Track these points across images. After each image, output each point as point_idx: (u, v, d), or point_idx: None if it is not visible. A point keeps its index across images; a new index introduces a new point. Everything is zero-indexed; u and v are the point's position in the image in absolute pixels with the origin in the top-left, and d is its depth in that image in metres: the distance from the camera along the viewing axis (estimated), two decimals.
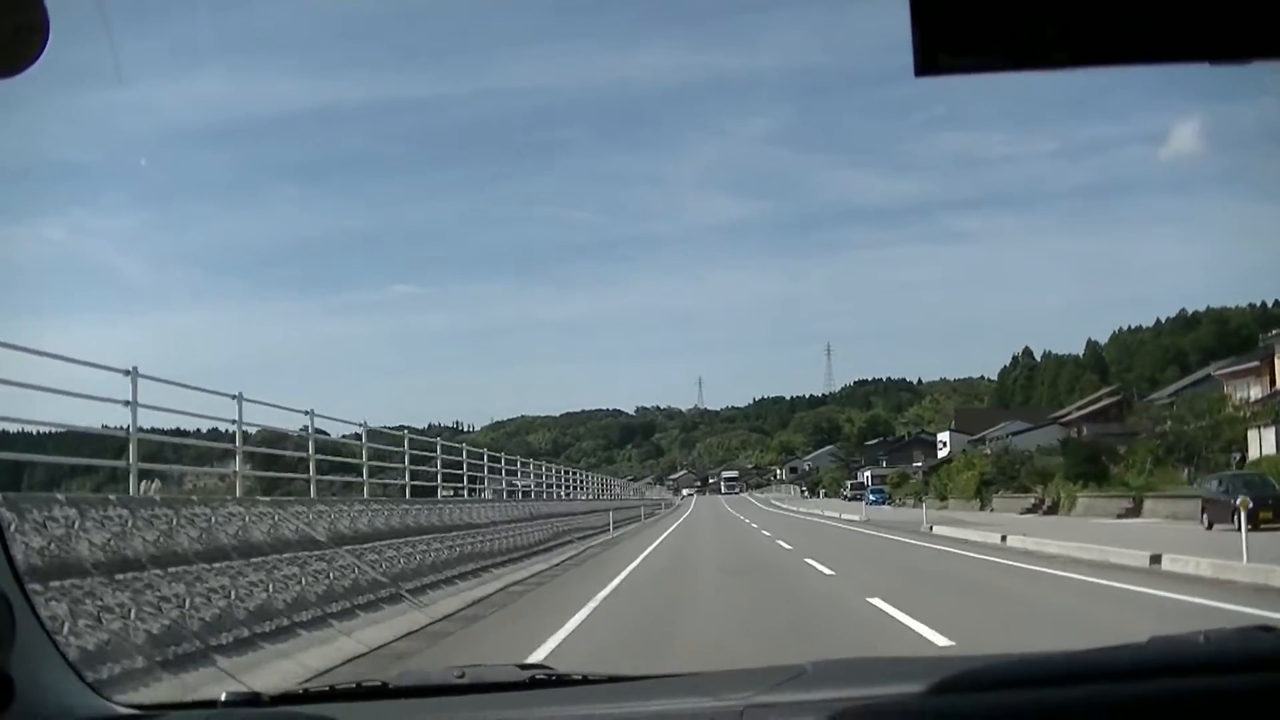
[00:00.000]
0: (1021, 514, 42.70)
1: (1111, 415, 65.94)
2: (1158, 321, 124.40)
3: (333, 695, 2.06)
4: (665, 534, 36.66)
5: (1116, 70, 1.07)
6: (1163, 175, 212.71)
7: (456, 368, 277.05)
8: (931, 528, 30.33)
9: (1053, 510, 40.77)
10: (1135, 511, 33.70)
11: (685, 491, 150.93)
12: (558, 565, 20.70)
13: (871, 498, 72.92)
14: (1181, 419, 40.79)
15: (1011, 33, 1.04)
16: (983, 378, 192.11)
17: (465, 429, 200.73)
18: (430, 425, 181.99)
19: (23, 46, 1.26)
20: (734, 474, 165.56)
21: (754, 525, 41.54)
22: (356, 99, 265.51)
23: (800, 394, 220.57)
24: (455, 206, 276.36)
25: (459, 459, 23.71)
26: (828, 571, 17.03)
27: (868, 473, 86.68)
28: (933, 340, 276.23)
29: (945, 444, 76.55)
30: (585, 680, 2.05)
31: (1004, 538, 23.05)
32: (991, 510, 49.45)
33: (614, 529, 35.19)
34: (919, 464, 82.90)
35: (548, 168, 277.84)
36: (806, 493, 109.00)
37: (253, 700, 1.96)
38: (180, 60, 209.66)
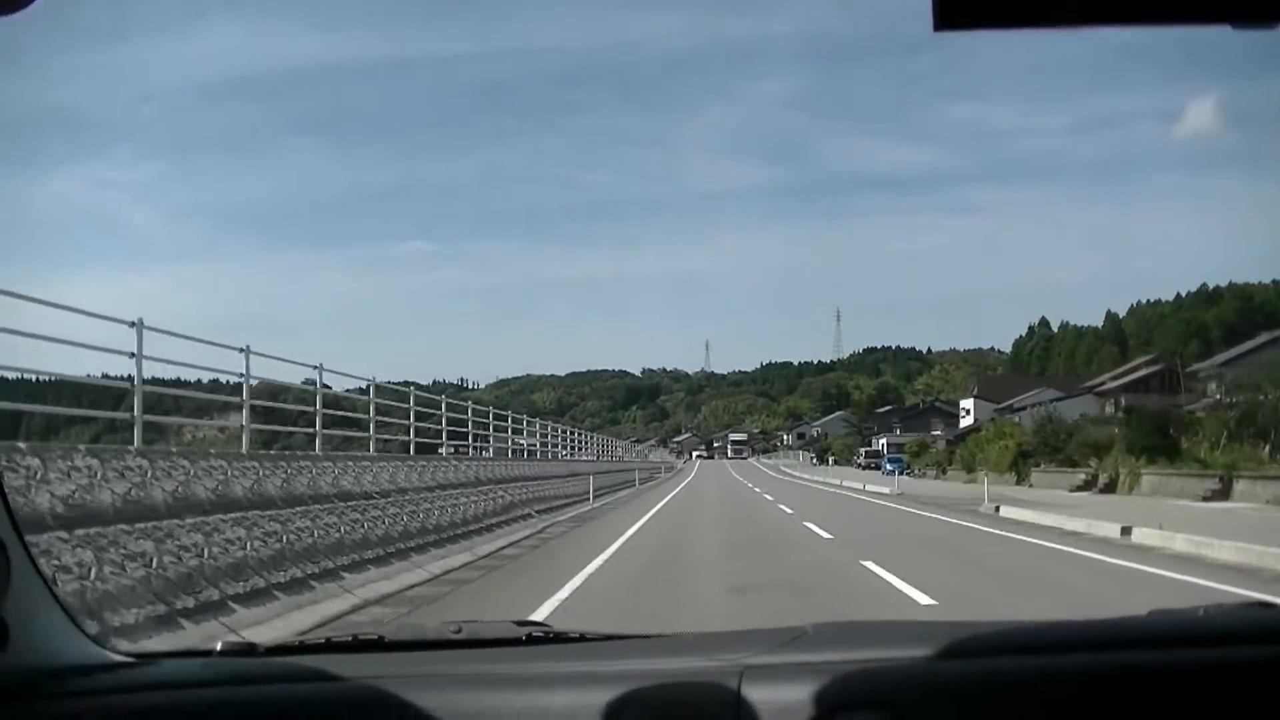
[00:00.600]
0: (1071, 491, 37.29)
1: (1154, 385, 60.62)
2: (1178, 296, 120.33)
3: (328, 647, 2.03)
4: (662, 503, 31.58)
5: (1131, 42, 0.93)
6: (1177, 151, 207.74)
7: (465, 325, 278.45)
8: (998, 508, 24.53)
9: (1110, 488, 35.25)
10: (1224, 493, 28.11)
11: (695, 454, 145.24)
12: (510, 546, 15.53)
13: (889, 467, 67.64)
14: (1258, 388, 35.06)
15: None
16: (993, 349, 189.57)
17: (470, 386, 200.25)
18: (435, 381, 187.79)
19: None
20: (742, 437, 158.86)
21: (769, 498, 35.85)
22: (371, 54, 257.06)
23: (808, 360, 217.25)
24: (469, 164, 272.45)
25: (464, 416, 23.04)
26: (922, 599, 10.12)
27: (883, 440, 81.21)
28: (943, 310, 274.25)
29: (968, 412, 70.96)
30: (582, 638, 2.01)
31: (1126, 530, 17.12)
32: (1030, 486, 44.01)
33: (594, 499, 29.76)
34: (937, 432, 77.47)
35: (561, 128, 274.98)
36: (815, 460, 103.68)
37: (248, 650, 1.96)
38: (195, 13, 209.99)
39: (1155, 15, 1.00)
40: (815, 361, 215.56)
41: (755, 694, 1.49)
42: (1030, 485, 44.07)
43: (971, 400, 71.67)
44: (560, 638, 2.02)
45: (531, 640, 1.98)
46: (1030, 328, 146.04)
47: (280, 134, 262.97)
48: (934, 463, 64.68)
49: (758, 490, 42.20)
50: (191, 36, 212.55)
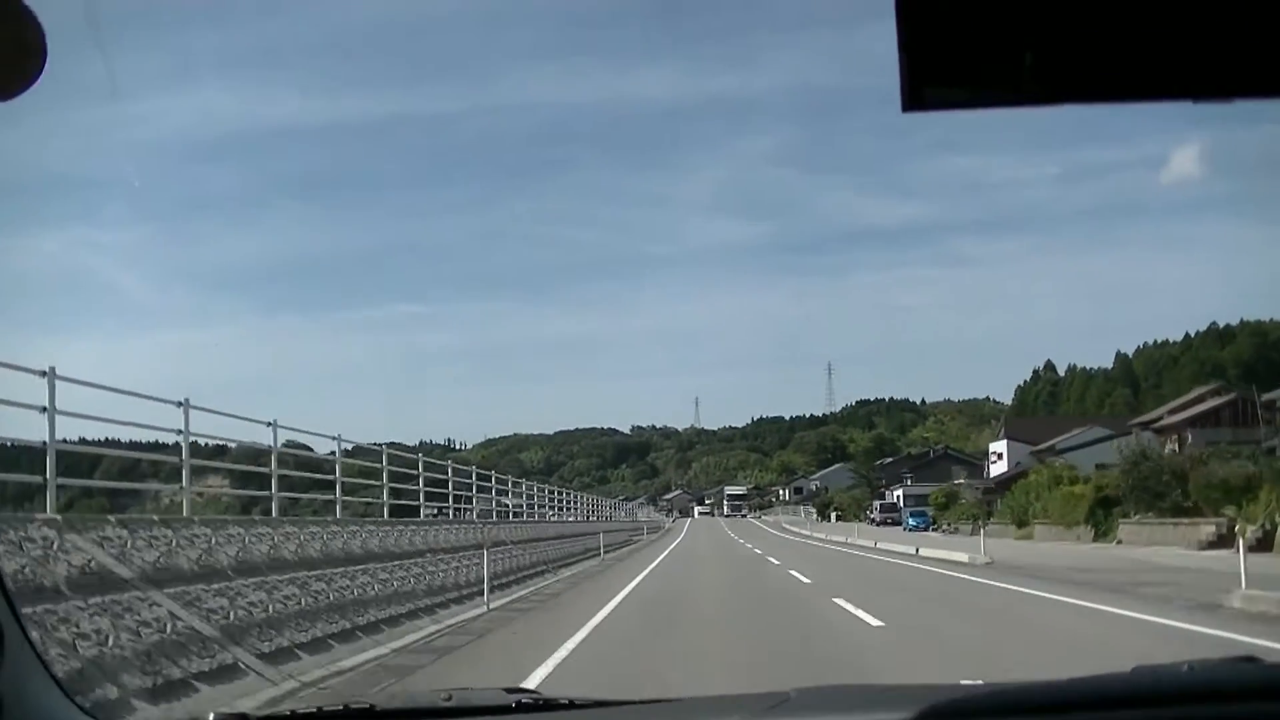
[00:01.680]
0: (1201, 549, 26.19)
1: (1225, 418, 49.96)
2: (1186, 336, 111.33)
3: (319, 716, 1.99)
4: (638, 579, 20.92)
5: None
6: (1167, 197, 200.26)
7: (453, 385, 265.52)
8: (1236, 593, 13.11)
9: (1266, 545, 24.16)
10: None
11: (698, 510, 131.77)
12: None
13: (911, 522, 56.59)
14: None
15: (997, 71, 1.03)
16: (988, 398, 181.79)
17: (457, 446, 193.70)
18: (421, 442, 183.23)
19: (21, 69, 1.22)
20: (739, 490, 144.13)
21: (794, 573, 24.65)
22: (359, 115, 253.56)
23: (800, 414, 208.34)
24: (458, 224, 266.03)
25: (444, 477, 21.90)
26: None
27: (898, 491, 69.95)
28: (937, 361, 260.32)
29: (1000, 456, 59.82)
30: (571, 705, 1.98)
31: None
32: (1119, 543, 32.80)
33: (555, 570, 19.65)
34: (960, 481, 66.30)
35: (550, 187, 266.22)
36: (816, 516, 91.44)
37: (240, 719, 1.93)
38: (183, 75, 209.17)
39: (1119, 94, 1.03)
40: (808, 415, 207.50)
41: None
42: (1118, 542, 32.87)
43: (1004, 443, 60.42)
44: (549, 705, 1.98)
45: (520, 708, 1.93)
46: (1035, 372, 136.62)
47: (269, 196, 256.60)
48: (967, 516, 53.44)
49: (773, 561, 30.92)
50: (180, 98, 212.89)
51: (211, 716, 1.90)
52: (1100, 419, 63.32)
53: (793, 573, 22.22)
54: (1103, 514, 34.96)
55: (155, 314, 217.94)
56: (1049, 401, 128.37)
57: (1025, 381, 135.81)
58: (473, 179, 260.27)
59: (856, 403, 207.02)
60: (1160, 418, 55.34)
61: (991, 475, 59.26)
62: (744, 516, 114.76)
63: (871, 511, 70.38)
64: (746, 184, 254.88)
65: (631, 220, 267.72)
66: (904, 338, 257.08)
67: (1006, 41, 1.01)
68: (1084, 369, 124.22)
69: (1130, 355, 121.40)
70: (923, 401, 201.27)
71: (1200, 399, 54.37)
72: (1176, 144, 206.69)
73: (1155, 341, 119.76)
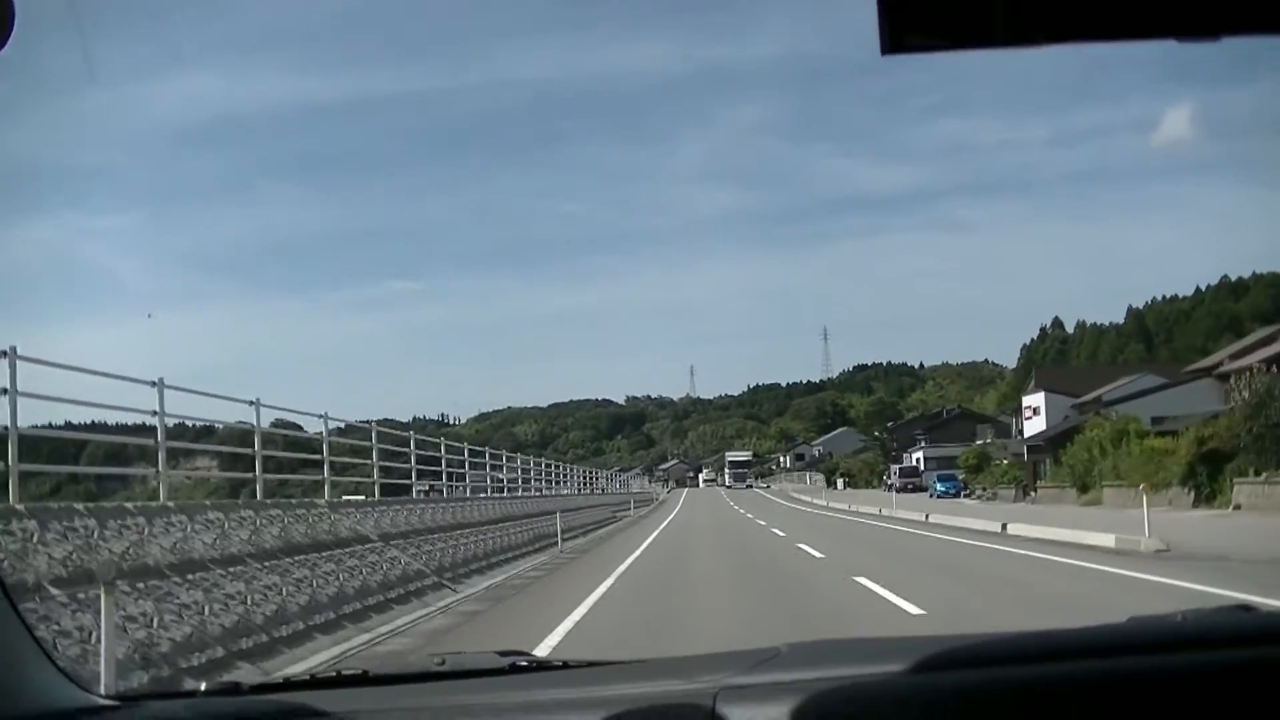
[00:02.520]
0: None
1: None
2: (1198, 290, 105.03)
3: (313, 684, 1.96)
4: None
5: (1105, 54, 0.88)
6: (1157, 160, 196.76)
7: (447, 361, 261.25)
8: None
9: None
10: None
11: (702, 478, 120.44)
12: None
13: (939, 487, 49.09)
14: None
15: (974, 12, 1.01)
16: (987, 360, 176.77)
17: (451, 422, 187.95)
18: (415, 418, 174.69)
19: None
20: (744, 457, 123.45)
21: (818, 554, 16.81)
22: (348, 94, 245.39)
23: (797, 380, 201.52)
24: (449, 201, 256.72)
25: (437, 455, 20.87)
26: None
27: (917, 454, 62.51)
28: (933, 325, 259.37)
29: (1036, 410, 52.30)
30: (565, 666, 1.96)
31: None
32: (1237, 508, 25.44)
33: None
34: (987, 440, 58.91)
35: (542, 161, 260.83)
36: (825, 483, 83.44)
37: (232, 689, 1.88)
38: (170, 58, 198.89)
39: (1098, 33, 1.00)
40: (804, 381, 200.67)
41: (731, 714, 1.45)
42: (1236, 507, 25.49)
43: (1040, 396, 52.93)
44: (543, 666, 1.98)
45: (514, 670, 1.92)
46: (1042, 329, 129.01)
47: (259, 178, 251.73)
48: (1008, 479, 46.05)
49: (813, 553, 23.01)
50: (167, 81, 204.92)
51: (203, 687, 1.88)
52: (1150, 366, 55.85)
53: (863, 582, 13.22)
54: (1206, 473, 27.61)
55: (149, 298, 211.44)
56: (1058, 359, 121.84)
57: (1032, 339, 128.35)
58: (464, 156, 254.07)
59: (854, 367, 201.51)
60: (1219, 364, 47.90)
61: (1027, 433, 51.68)
62: (747, 486, 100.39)
63: (889, 477, 62.59)
64: (737, 154, 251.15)
65: (624, 193, 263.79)
66: (900, 304, 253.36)
67: None
68: (1095, 324, 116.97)
69: (1141, 310, 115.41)
70: (921, 365, 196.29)
71: (1267, 341, 46.82)
72: (1168, 105, 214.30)
73: (1164, 297, 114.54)
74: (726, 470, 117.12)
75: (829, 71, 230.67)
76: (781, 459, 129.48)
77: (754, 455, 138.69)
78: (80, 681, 1.76)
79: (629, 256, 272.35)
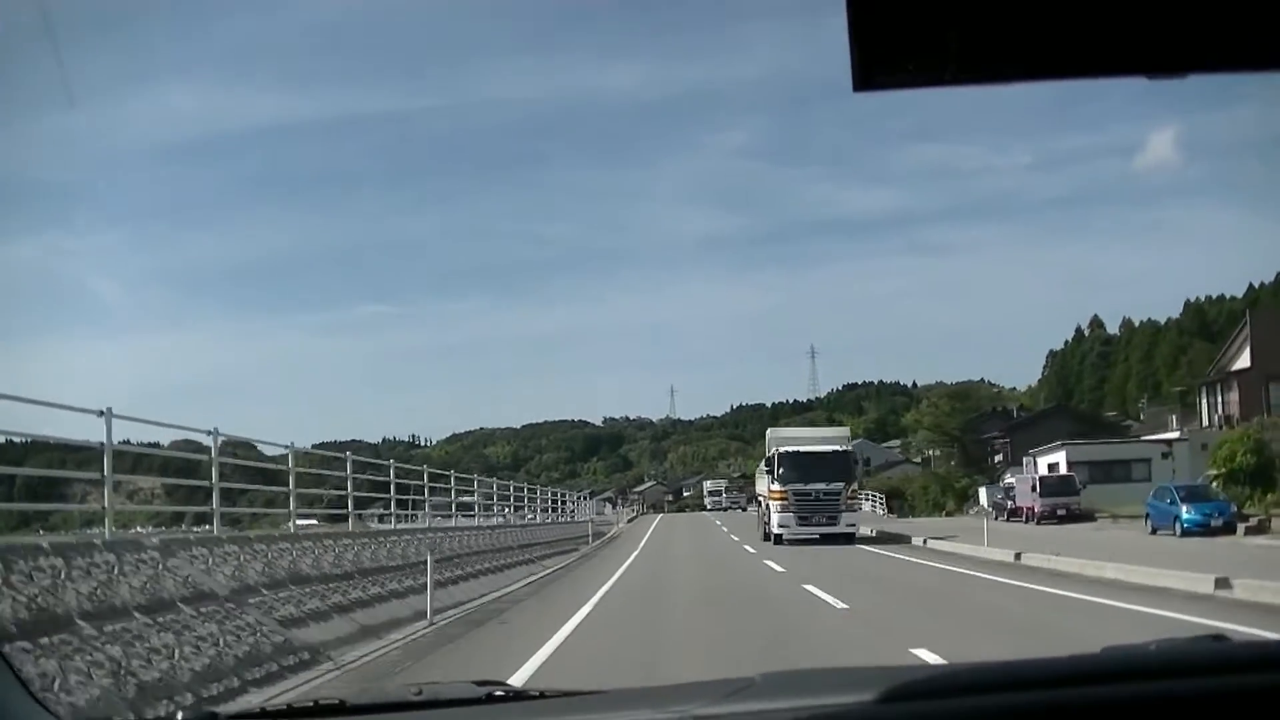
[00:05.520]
0: None
1: None
2: (1251, 288, 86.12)
3: (290, 714, 1.89)
4: None
5: (1079, 84, 1.02)
6: (1139, 183, 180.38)
7: (421, 382, 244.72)
8: None
9: None
10: None
11: (709, 499, 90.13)
12: None
13: (1188, 516, 24.47)
14: None
15: (945, 50, 0.99)
16: (982, 380, 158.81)
17: (422, 443, 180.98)
18: (385, 439, 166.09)
19: None
20: (720, 486, 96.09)
21: None
22: (326, 113, 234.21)
23: (782, 400, 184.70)
24: (428, 222, 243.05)
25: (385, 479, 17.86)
26: None
27: (1053, 458, 37.74)
28: (922, 346, 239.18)
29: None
30: (541, 696, 1.89)
31: None
32: None
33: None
34: (1175, 433, 35.07)
35: (523, 183, 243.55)
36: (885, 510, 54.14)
37: (209, 718, 1.80)
38: (148, 77, 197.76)
39: (1069, 71, 0.98)
40: (790, 401, 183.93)
41: None
42: None
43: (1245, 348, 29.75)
44: (520, 696, 1.90)
45: (491, 699, 1.84)
46: (1078, 331, 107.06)
47: (236, 197, 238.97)
48: None
49: None
50: (144, 100, 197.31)
51: (180, 715, 1.78)
52: None
53: None
54: None
55: (127, 318, 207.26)
56: (1098, 364, 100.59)
57: (1067, 342, 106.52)
58: (442, 176, 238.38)
59: (844, 386, 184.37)
60: None
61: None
62: (740, 509, 75.72)
63: (1001, 496, 37.10)
64: (719, 176, 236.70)
65: (604, 215, 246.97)
66: (886, 324, 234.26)
67: (953, 21, 0.96)
68: (1152, 321, 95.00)
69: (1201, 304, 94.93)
70: (914, 384, 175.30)
71: None
72: (1153, 129, 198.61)
73: (1209, 297, 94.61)
74: (706, 497, 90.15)
75: (810, 96, 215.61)
76: None
77: (741, 476, 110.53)
78: (58, 713, 1.68)
79: (609, 278, 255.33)
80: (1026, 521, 30.92)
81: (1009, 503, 35.29)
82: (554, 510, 37.47)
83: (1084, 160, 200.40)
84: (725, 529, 38.57)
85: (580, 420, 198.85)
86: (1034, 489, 33.04)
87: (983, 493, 40.40)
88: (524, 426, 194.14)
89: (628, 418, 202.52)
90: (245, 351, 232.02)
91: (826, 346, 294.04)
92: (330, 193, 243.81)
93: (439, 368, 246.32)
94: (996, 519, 29.68)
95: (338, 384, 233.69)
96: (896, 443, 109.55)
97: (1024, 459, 39.91)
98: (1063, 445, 37.61)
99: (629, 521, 60.44)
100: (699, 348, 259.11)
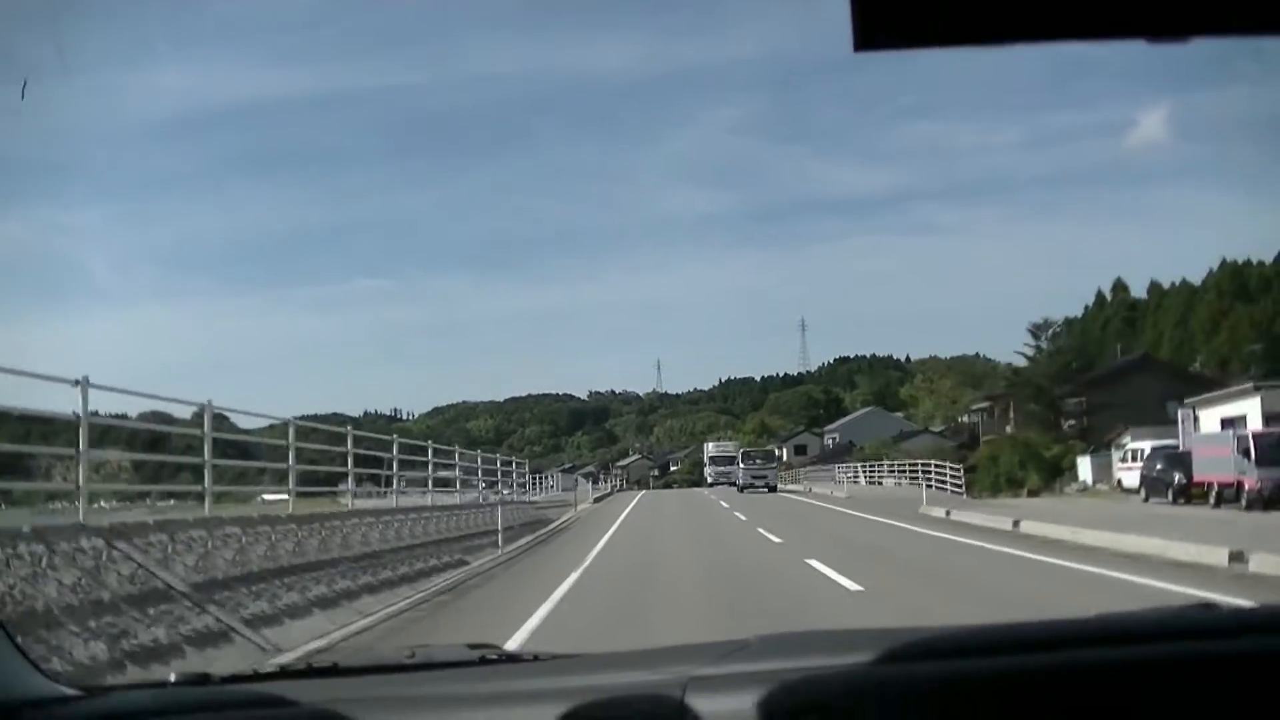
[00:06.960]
0: None
1: None
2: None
3: (283, 674, 1.88)
4: None
5: (1078, 58, 0.57)
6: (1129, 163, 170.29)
7: (412, 359, 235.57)
8: None
9: None
10: None
11: (710, 475, 65.87)
12: None
13: None
14: None
15: (947, 9, 0.96)
16: (978, 354, 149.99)
17: (404, 416, 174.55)
18: (366, 413, 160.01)
19: None
20: (728, 451, 68.93)
21: None
22: (321, 89, 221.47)
23: (773, 373, 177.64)
24: (420, 198, 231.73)
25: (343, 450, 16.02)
26: None
27: (1215, 414, 25.70)
28: (916, 322, 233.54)
29: None
30: (535, 658, 1.85)
31: None
32: None
33: None
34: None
35: (514, 159, 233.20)
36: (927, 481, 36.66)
37: (202, 680, 1.78)
38: (140, 51, 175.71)
39: (1070, 33, 0.95)
40: (780, 375, 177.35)
41: (700, 704, 1.39)
42: None
43: None
44: (513, 658, 1.88)
45: (484, 662, 1.83)
46: (1099, 295, 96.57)
47: (229, 172, 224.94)
48: None
49: None
50: (137, 75, 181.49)
51: (173, 677, 1.78)
52: None
53: None
54: None
55: (120, 294, 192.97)
56: (1123, 331, 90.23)
57: (1088, 307, 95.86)
58: (433, 152, 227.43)
59: (836, 360, 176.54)
60: None
61: None
62: (771, 489, 50.06)
63: (1172, 467, 24.45)
64: (712, 153, 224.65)
65: (595, 191, 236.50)
66: (879, 300, 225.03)
67: None
68: (1187, 283, 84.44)
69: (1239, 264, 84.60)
70: (908, 358, 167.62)
71: None
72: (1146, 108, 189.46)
73: (1243, 260, 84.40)
74: (710, 467, 68.14)
75: (804, 72, 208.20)
76: (776, 450, 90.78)
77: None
78: (48, 672, 1.69)
79: (599, 254, 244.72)
80: (1217, 506, 20.05)
81: (1175, 476, 23.84)
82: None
83: (1076, 138, 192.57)
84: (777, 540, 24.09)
85: (565, 394, 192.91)
86: (1247, 453, 20.97)
87: (1083, 464, 29.87)
88: (507, 400, 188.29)
89: (613, 392, 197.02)
90: (233, 327, 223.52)
91: (818, 321, 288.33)
92: (321, 167, 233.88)
93: (426, 342, 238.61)
94: (1148, 500, 19.17)
95: (323, 358, 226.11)
96: (900, 414, 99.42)
97: (1179, 413, 28.60)
98: (1256, 388, 26.39)
99: (595, 501, 44.31)
100: (688, 322, 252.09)
